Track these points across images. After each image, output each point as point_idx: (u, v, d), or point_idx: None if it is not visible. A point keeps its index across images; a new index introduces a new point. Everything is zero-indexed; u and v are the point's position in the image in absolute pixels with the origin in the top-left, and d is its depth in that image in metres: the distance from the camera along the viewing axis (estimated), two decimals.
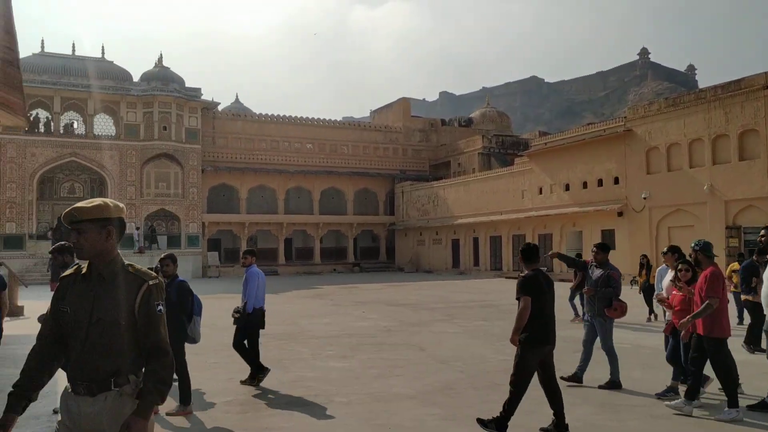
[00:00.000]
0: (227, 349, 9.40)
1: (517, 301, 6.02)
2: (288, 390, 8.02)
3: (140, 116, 41.52)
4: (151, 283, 2.75)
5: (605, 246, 8.54)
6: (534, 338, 5.88)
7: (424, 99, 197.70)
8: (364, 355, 10.66)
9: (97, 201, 2.77)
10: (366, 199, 51.06)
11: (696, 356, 6.69)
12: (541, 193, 37.14)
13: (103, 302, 2.68)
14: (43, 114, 40.84)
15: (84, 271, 2.77)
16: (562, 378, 7.52)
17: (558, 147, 35.67)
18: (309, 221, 47.96)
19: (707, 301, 6.41)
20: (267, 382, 8.37)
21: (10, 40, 11.94)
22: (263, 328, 8.65)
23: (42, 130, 40.20)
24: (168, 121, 41.72)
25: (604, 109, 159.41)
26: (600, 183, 33.27)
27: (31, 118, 38.83)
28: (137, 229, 40.02)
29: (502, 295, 23.49)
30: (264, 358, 8.86)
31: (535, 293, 5.90)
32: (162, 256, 7.15)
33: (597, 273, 8.20)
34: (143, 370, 2.74)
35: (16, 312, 17.18)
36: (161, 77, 42.19)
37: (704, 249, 6.84)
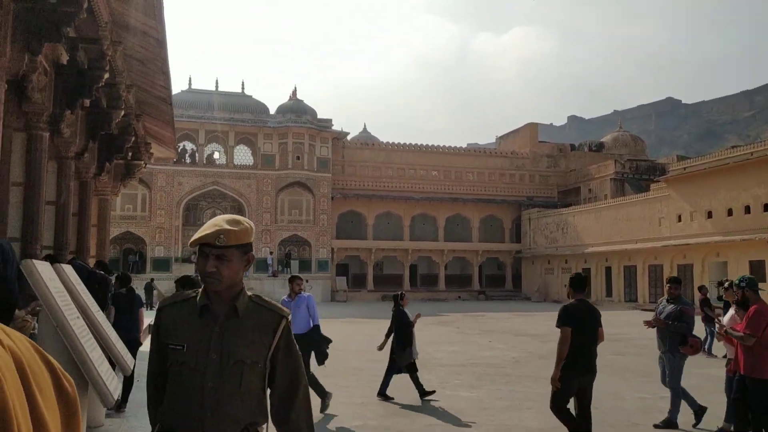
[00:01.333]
0: (357, 373, 9.57)
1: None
2: (417, 418, 8.03)
3: (276, 147, 43.80)
4: (289, 318, 2.38)
5: (678, 280, 8.23)
6: (573, 367, 5.96)
7: (551, 124, 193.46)
8: (492, 386, 10.47)
9: (242, 222, 2.32)
10: (491, 226, 50.50)
11: (738, 397, 6.38)
12: (680, 220, 35.01)
13: (236, 340, 2.25)
14: (189, 145, 44.12)
15: (200, 301, 2.30)
16: (654, 426, 7.50)
17: (699, 172, 33.54)
18: (434, 248, 48.09)
19: (746, 332, 6.20)
20: (395, 409, 8.42)
21: (165, 80, 13.07)
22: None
23: (188, 160, 43.43)
24: (301, 151, 43.70)
25: (749, 130, 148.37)
26: (747, 210, 30.86)
27: (179, 150, 42.10)
28: (271, 253, 42.01)
29: (635, 329, 22.24)
30: (394, 384, 8.94)
31: (576, 323, 5.94)
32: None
33: (669, 308, 7.84)
34: (275, 418, 2.37)
35: None
36: (295, 110, 44.40)
37: (750, 285, 6.58)
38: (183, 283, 7.36)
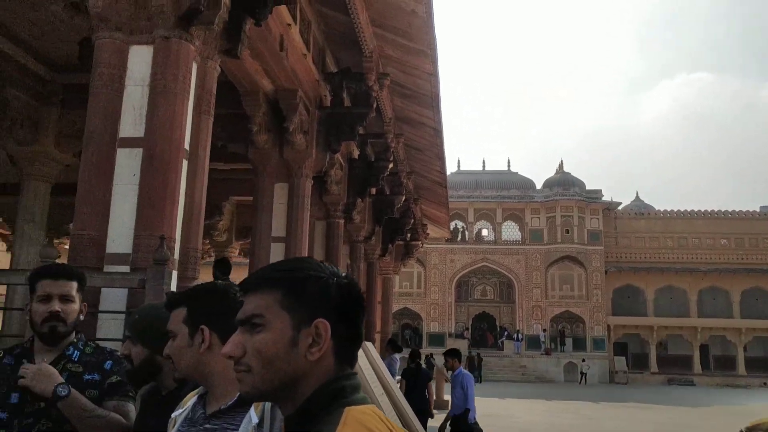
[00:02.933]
0: None
1: None
2: None
3: (543, 221, 43.43)
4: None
5: None
6: None
7: None
8: None
9: None
10: None
11: None
12: None
13: None
14: (459, 224, 45.86)
15: None
16: None
17: None
18: (728, 326, 42.58)
19: None
20: None
21: (441, 165, 13.90)
22: None
23: (459, 238, 45.05)
24: (570, 224, 42.68)
25: None
26: None
27: (451, 229, 43.98)
28: (544, 330, 41.04)
29: None
30: None
31: None
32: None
33: None
34: None
35: (442, 405, 18.89)
36: (562, 183, 43.83)
37: None
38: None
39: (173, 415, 1.68)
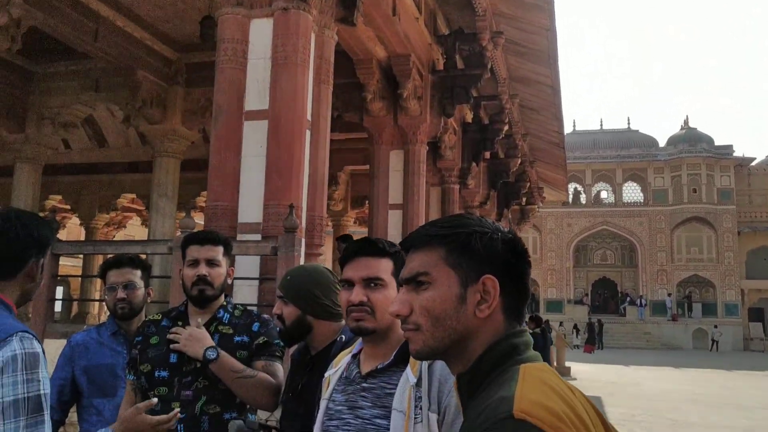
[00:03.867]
0: None
1: None
2: None
3: (668, 181, 41.06)
4: None
5: None
6: None
7: None
8: None
9: None
10: None
11: None
12: None
13: None
14: (576, 187, 44.32)
15: None
16: None
17: None
18: None
19: None
20: None
21: (558, 125, 13.40)
22: None
23: (576, 202, 43.57)
24: (697, 183, 40.08)
25: None
26: None
27: (568, 193, 42.62)
28: (669, 295, 39.11)
29: None
30: None
31: None
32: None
33: None
34: None
35: (564, 372, 18.52)
36: (688, 139, 41.14)
37: None
38: None
39: (327, 374, 1.68)
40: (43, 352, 1.52)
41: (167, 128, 9.42)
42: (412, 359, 1.47)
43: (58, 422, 2.63)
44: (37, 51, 9.19)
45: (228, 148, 4.81)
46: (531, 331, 9.54)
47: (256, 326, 2.25)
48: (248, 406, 2.21)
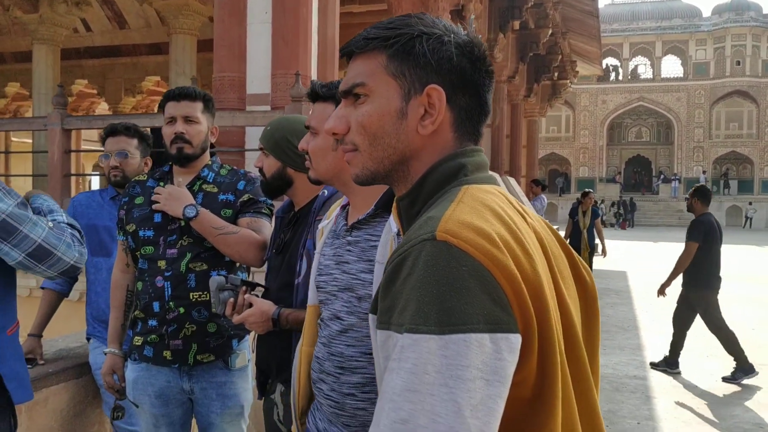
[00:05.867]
0: None
1: None
2: None
3: (710, 53, 39.16)
4: None
5: None
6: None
7: None
8: None
9: None
10: None
11: None
12: None
13: None
14: (612, 62, 42.61)
15: None
16: None
17: None
18: None
19: None
20: None
21: None
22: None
23: (611, 77, 42.05)
24: (742, 55, 38.17)
25: None
26: None
27: (603, 68, 41.06)
28: (704, 173, 38.41)
29: None
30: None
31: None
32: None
33: None
34: None
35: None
36: (734, 7, 38.75)
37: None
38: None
39: (320, 225, 1.63)
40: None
41: (181, 3, 9.13)
42: (394, 207, 1.39)
43: (72, 278, 2.72)
44: None
45: (232, 15, 4.62)
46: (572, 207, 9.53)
47: (241, 184, 2.21)
48: (238, 265, 2.21)
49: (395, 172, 0.96)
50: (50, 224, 1.70)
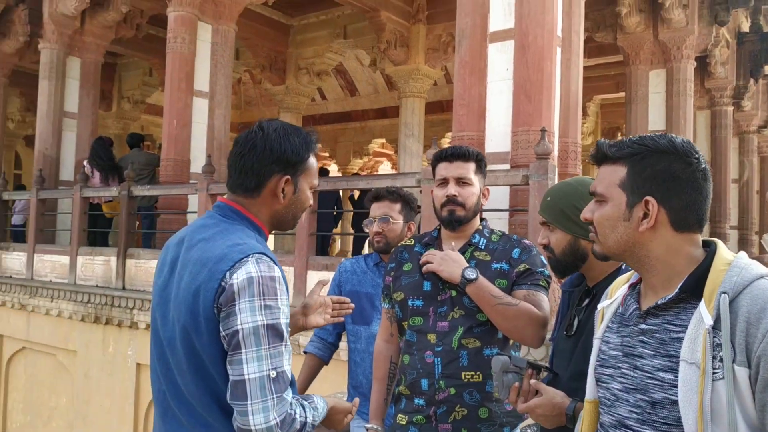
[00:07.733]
0: None
1: None
2: None
3: None
4: None
5: None
6: None
7: None
8: None
9: None
10: None
11: None
12: None
13: None
14: None
15: None
16: None
17: None
18: None
19: None
20: None
21: None
22: None
23: None
24: None
25: None
26: None
27: None
28: None
29: None
30: None
31: None
32: None
33: None
34: None
35: None
36: None
37: None
38: None
39: (600, 306, 1.39)
40: (284, 279, 1.42)
41: (411, 68, 9.48)
42: (706, 291, 1.11)
43: (332, 345, 2.74)
44: (292, 4, 9.78)
45: (473, 73, 4.56)
46: None
47: (516, 252, 1.99)
48: (511, 343, 1.99)
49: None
50: (273, 374, 1.32)
